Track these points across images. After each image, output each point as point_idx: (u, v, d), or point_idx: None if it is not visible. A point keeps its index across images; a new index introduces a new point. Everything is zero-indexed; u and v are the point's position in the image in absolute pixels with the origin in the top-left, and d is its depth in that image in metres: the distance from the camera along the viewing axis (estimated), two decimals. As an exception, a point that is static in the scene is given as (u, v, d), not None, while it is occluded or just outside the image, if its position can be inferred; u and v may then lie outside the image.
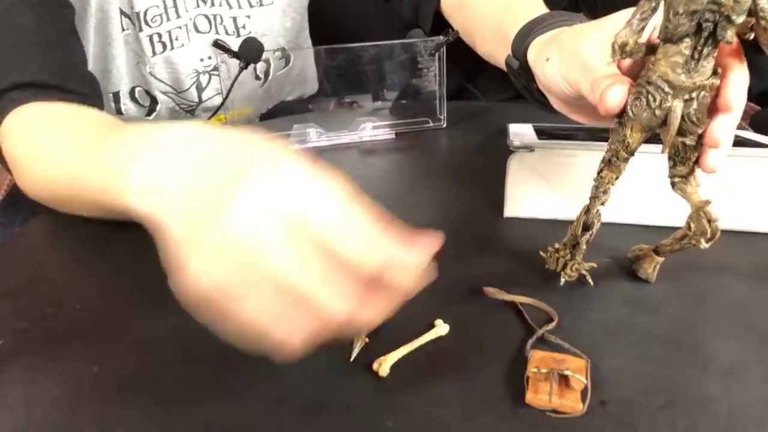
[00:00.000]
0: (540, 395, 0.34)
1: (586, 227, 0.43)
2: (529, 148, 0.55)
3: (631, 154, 0.39)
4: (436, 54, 0.70)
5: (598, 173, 0.41)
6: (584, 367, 0.36)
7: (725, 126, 0.36)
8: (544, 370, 0.35)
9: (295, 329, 0.29)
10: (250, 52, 0.65)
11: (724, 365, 0.37)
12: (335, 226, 0.29)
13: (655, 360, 0.38)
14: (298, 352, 0.30)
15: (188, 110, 0.84)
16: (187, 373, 0.37)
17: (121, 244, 0.51)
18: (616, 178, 0.40)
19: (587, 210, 0.42)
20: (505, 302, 0.43)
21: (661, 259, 0.45)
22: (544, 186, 0.54)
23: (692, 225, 0.40)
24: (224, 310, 0.29)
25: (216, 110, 0.79)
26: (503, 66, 0.56)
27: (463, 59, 0.74)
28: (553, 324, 0.40)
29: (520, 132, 0.63)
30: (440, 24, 0.75)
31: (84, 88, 0.60)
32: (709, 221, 0.39)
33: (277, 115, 0.88)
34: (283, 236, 0.28)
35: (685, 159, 0.38)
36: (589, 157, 0.53)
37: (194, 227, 0.29)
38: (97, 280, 0.47)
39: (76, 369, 0.38)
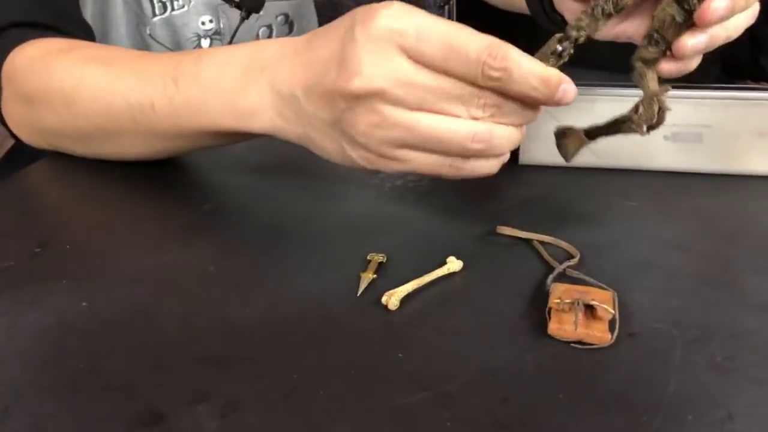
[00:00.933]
0: (564, 326, 0.31)
1: (559, 57, 0.36)
2: None
3: (617, 11, 0.36)
4: (445, 7, 0.67)
5: (576, 20, 0.37)
6: (611, 298, 0.33)
7: (723, 6, 0.33)
8: (567, 301, 0.32)
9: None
10: (251, 1, 0.63)
11: (762, 300, 0.34)
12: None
13: (687, 294, 0.35)
14: None
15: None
16: (181, 308, 0.35)
17: (114, 190, 0.49)
18: (586, 33, 0.36)
19: (559, 41, 0.36)
20: (522, 241, 0.40)
21: (588, 143, 0.41)
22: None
23: (641, 109, 0.37)
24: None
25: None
26: (516, 5, 0.54)
27: (475, 21, 0.71)
28: (575, 260, 0.37)
29: None
30: None
31: (81, 33, 0.58)
32: (660, 109, 0.36)
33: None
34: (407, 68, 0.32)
35: (662, 39, 0.36)
36: (608, 102, 0.50)
37: (333, 121, 0.34)
38: (88, 223, 0.45)
39: (64, 304, 0.35)
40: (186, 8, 0.76)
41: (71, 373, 0.30)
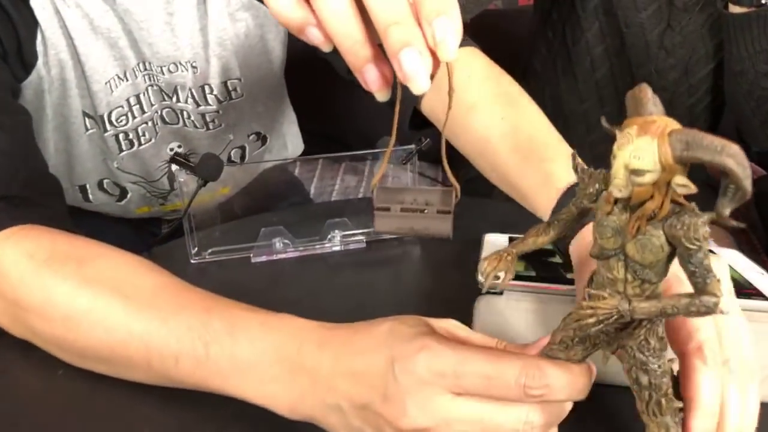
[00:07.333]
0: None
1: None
2: (498, 292, 0.51)
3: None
4: (407, 164, 0.64)
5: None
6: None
7: None
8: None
9: None
10: (207, 170, 0.59)
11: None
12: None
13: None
14: None
15: (160, 196, 0.80)
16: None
17: (61, 393, 0.45)
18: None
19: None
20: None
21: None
22: (511, 332, 0.49)
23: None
24: None
25: (177, 220, 0.66)
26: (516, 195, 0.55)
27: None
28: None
29: (494, 242, 0.59)
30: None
31: (52, 201, 0.56)
32: None
33: (257, 191, 0.85)
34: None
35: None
36: (558, 304, 0.49)
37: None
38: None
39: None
40: (153, 140, 0.74)
41: None
